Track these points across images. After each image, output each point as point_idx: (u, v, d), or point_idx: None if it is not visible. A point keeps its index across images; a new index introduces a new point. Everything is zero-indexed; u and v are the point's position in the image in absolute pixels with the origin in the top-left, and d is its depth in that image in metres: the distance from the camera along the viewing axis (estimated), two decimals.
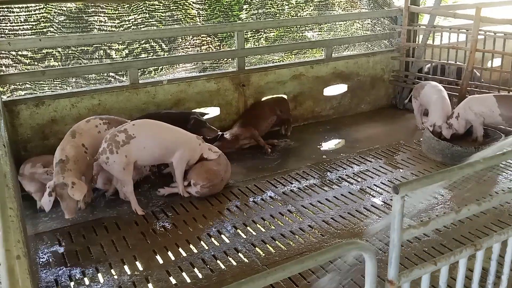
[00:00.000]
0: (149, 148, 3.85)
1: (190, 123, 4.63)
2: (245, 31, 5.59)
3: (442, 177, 1.63)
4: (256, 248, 3.39)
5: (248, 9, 5.94)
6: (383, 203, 3.98)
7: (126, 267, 3.21)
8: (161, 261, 3.27)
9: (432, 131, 4.99)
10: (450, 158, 4.65)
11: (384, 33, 6.59)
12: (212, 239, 3.52)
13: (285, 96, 5.74)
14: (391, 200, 3.94)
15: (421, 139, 5.25)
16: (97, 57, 5.07)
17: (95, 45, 5.00)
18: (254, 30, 5.90)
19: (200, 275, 3.11)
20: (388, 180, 4.39)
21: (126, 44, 5.21)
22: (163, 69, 5.53)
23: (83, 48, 4.93)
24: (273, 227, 3.66)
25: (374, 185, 4.31)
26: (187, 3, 5.51)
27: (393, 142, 5.32)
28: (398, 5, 6.50)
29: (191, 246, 3.44)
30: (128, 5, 5.11)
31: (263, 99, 5.63)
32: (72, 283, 3.08)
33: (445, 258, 1.70)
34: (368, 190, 4.21)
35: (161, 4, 5.32)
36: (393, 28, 6.53)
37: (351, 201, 4.02)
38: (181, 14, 5.47)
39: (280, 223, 3.73)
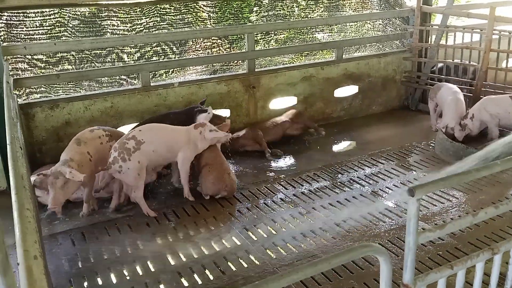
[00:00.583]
0: (157, 151, 3.92)
1: (196, 116, 4.66)
2: (255, 33, 5.60)
3: (459, 179, 1.60)
4: (267, 251, 3.37)
5: (258, 11, 5.94)
6: (395, 206, 3.93)
7: (138, 268, 3.22)
8: (172, 263, 3.28)
9: (444, 133, 4.93)
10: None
11: (395, 34, 6.54)
12: (223, 241, 3.51)
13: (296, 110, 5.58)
14: (405, 203, 3.91)
15: (433, 140, 5.18)
16: (109, 60, 5.12)
17: (108, 49, 5.05)
18: (264, 32, 5.90)
19: (211, 277, 3.11)
20: (400, 182, 4.34)
21: (138, 47, 5.25)
22: (174, 72, 5.55)
23: (96, 51, 4.98)
24: (284, 230, 3.64)
25: (386, 187, 4.26)
26: (197, 6, 5.53)
27: (406, 143, 5.26)
28: (410, 5, 6.44)
29: (202, 248, 3.43)
30: (140, 9, 5.15)
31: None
32: (86, 283, 3.09)
33: (462, 262, 1.66)
34: (380, 193, 4.17)
35: (172, 8, 5.35)
36: (405, 28, 6.47)
37: (363, 204, 3.98)
38: (191, 17, 5.49)
39: (291, 225, 3.70)
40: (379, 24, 6.59)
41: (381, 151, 5.08)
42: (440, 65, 6.28)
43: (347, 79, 6.15)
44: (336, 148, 5.33)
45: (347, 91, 6.29)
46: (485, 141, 4.91)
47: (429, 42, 6.31)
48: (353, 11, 6.41)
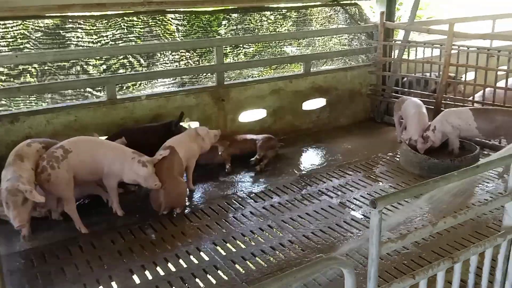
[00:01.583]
0: (84, 162, 3.83)
1: (174, 128, 4.65)
2: (224, 46, 5.62)
3: (418, 190, 1.64)
4: (236, 265, 3.34)
5: (227, 25, 5.98)
6: (363, 217, 3.99)
7: None
8: (138, 281, 3.19)
9: (408, 144, 5.07)
10: (427, 170, 4.71)
11: (361, 48, 6.72)
12: (191, 256, 3.45)
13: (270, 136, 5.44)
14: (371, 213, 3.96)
15: (398, 152, 5.32)
16: (74, 72, 5.00)
17: (72, 61, 4.94)
18: (233, 46, 5.93)
19: None
20: (367, 193, 4.41)
21: (104, 59, 5.16)
22: (142, 85, 5.49)
23: (59, 64, 4.86)
24: (253, 243, 3.62)
25: (354, 198, 4.33)
26: (166, 19, 5.51)
27: (372, 155, 5.38)
28: (374, 21, 6.64)
29: (169, 264, 3.36)
30: (106, 21, 5.08)
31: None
32: None
33: (424, 272, 1.70)
34: (348, 204, 4.22)
35: (140, 20, 5.30)
36: (369, 43, 6.67)
37: (331, 215, 4.02)
38: (159, 29, 5.46)
39: (260, 238, 3.69)
40: (345, 38, 6.76)
41: (349, 162, 5.17)
42: (409, 78, 6.48)
43: (315, 92, 6.25)
44: (305, 160, 5.37)
45: (315, 103, 6.39)
46: (446, 152, 5.09)
47: (393, 57, 6.52)
48: (320, 26, 6.55)
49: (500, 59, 5.50)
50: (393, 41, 6.54)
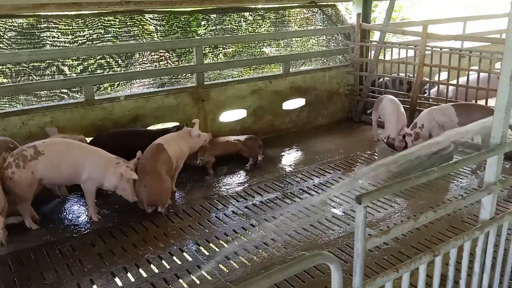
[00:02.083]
0: (58, 167, 3.74)
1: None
2: (203, 47, 5.61)
3: (401, 186, 1.69)
4: (220, 265, 3.34)
5: (206, 25, 5.97)
6: (343, 214, 4.05)
7: None
8: (120, 284, 3.15)
9: (386, 143, 5.17)
10: (405, 168, 4.81)
11: (338, 49, 6.82)
12: (174, 257, 3.44)
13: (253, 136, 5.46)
14: (351, 210, 4.04)
15: (377, 150, 5.43)
16: (49, 73, 4.89)
17: (47, 61, 4.83)
18: (212, 46, 5.93)
19: None
20: (347, 191, 4.48)
21: (80, 60, 5.07)
22: (120, 85, 5.42)
23: (34, 64, 4.75)
24: (236, 243, 3.63)
25: (334, 196, 4.39)
26: (144, 19, 5.46)
27: (351, 153, 5.47)
28: (351, 22, 6.76)
29: (152, 266, 3.34)
30: (82, 21, 4.99)
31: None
32: None
33: (406, 265, 1.75)
34: (328, 202, 4.28)
35: (117, 20, 5.23)
36: (346, 44, 6.77)
37: (312, 213, 4.07)
38: (138, 29, 5.40)
39: (243, 238, 3.70)
40: (323, 39, 6.85)
41: (329, 161, 5.24)
42: (386, 78, 6.60)
43: (294, 92, 6.31)
44: (285, 159, 5.42)
45: (294, 103, 6.45)
46: None
47: (369, 57, 6.65)
48: (298, 27, 6.62)
49: (471, 59, 5.68)
50: (370, 42, 6.66)
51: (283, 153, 5.58)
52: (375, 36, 7.43)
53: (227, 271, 3.27)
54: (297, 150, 5.70)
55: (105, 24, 5.18)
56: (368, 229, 3.64)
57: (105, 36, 5.17)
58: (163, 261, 3.38)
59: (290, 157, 5.49)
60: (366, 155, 5.44)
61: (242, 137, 5.28)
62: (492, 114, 5.15)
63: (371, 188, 3.89)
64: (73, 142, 3.99)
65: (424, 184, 4.45)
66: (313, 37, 6.75)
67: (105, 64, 5.24)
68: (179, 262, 3.37)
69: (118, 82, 5.33)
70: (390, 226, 3.80)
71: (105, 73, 5.16)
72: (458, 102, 5.34)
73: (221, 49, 6.11)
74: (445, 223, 3.79)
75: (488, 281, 2.17)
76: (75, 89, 5.02)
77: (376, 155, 5.38)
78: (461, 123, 4.93)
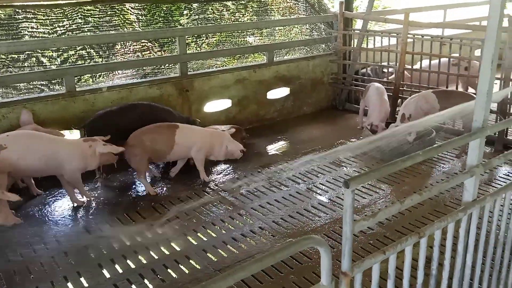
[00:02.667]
0: (24, 160, 3.67)
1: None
2: (186, 37, 5.55)
3: (388, 170, 1.71)
4: (208, 254, 3.35)
5: (188, 15, 5.90)
6: (329, 201, 4.10)
7: (69, 285, 3.04)
8: (108, 275, 3.14)
9: (370, 130, 5.23)
10: (389, 154, 4.87)
11: (321, 38, 6.83)
12: (162, 247, 3.43)
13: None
14: (337, 197, 4.08)
15: (361, 137, 5.48)
16: (29, 65, 4.79)
17: (26, 53, 4.72)
18: (195, 36, 5.87)
19: (151, 286, 3.02)
20: (333, 178, 4.53)
21: (61, 51, 4.97)
22: (102, 76, 5.33)
23: (13, 56, 4.63)
24: (224, 232, 3.65)
25: (320, 183, 4.43)
26: (125, 9, 5.36)
27: (336, 141, 5.52)
28: (334, 11, 6.77)
29: (139, 256, 3.33)
30: (61, 11, 4.88)
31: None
32: None
33: (393, 247, 1.78)
34: (314, 189, 4.32)
35: (97, 10, 5.13)
36: (329, 32, 6.79)
37: (299, 201, 4.10)
38: (119, 19, 5.31)
39: (230, 227, 3.72)
40: (306, 28, 6.85)
41: (314, 149, 5.28)
42: (370, 67, 6.64)
43: (278, 81, 6.31)
44: (271, 148, 5.44)
45: (279, 93, 6.46)
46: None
47: (352, 46, 6.68)
48: (281, 16, 6.60)
49: (452, 46, 5.76)
50: (352, 31, 6.69)
51: (268, 143, 5.60)
52: (358, 24, 7.46)
53: (215, 259, 3.28)
54: (282, 139, 5.72)
55: (85, 14, 5.08)
56: (354, 215, 3.69)
57: (85, 26, 5.07)
58: (151, 252, 3.38)
59: (275, 146, 5.51)
60: (350, 143, 5.49)
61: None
62: (468, 99, 5.29)
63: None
64: (40, 134, 3.90)
65: (407, 170, 4.53)
66: (296, 26, 6.75)
67: (86, 55, 5.15)
68: (167, 253, 3.37)
69: (99, 73, 5.25)
70: (375, 211, 3.86)
71: (86, 64, 5.07)
72: (438, 89, 5.41)
73: (204, 38, 6.06)
74: (428, 207, 3.88)
75: (471, 261, 2.22)
76: (55, 81, 4.93)
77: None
78: (441, 109, 5.01)
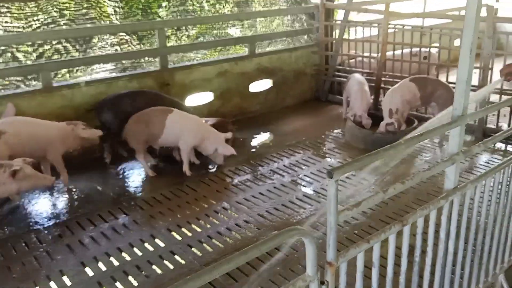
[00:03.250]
0: (21, 144, 3.85)
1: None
2: (166, 29, 5.46)
3: (371, 159, 1.71)
4: (193, 249, 3.32)
5: (167, 7, 5.81)
6: (314, 192, 4.11)
7: (52, 284, 2.98)
8: (91, 273, 3.08)
9: (353, 121, 5.25)
10: (372, 144, 4.92)
11: (303, 29, 6.81)
12: (146, 244, 3.39)
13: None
14: (322, 188, 4.09)
15: (344, 128, 5.50)
16: (3, 60, 4.65)
17: (1, 48, 4.59)
18: (175, 28, 5.78)
19: (135, 283, 2.98)
20: (317, 170, 4.54)
21: (36, 45, 4.83)
22: (79, 71, 5.22)
23: None
24: (208, 226, 3.62)
25: (305, 175, 4.44)
26: (101, 1, 5.25)
27: (319, 133, 5.53)
28: (315, 2, 6.75)
29: (123, 254, 3.28)
30: (35, 5, 4.74)
31: None
32: None
33: (377, 236, 1.78)
34: (299, 181, 4.33)
35: (73, 2, 5.01)
36: (311, 23, 6.77)
37: (284, 193, 4.10)
38: (95, 12, 5.20)
39: (215, 221, 3.69)
40: (287, 19, 6.82)
41: (298, 141, 5.28)
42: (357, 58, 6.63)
43: (261, 74, 6.28)
44: (255, 141, 5.42)
45: (262, 85, 6.42)
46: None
47: (334, 37, 6.68)
48: (262, 7, 6.55)
49: (432, 36, 5.81)
50: (334, 21, 6.69)
51: (252, 135, 5.57)
52: (339, 15, 7.46)
53: (200, 254, 3.26)
54: (266, 132, 5.70)
55: (60, 7, 4.96)
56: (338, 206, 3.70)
57: (60, 19, 4.94)
58: (135, 249, 3.33)
59: (259, 139, 5.49)
60: (334, 134, 5.51)
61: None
62: (441, 85, 5.34)
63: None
64: (29, 119, 4.09)
65: (390, 160, 4.55)
66: (277, 17, 6.71)
67: (62, 49, 5.03)
68: (151, 249, 3.33)
69: (77, 68, 5.13)
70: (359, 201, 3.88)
71: (62, 58, 4.94)
72: (415, 77, 5.41)
73: (184, 31, 5.98)
74: (410, 196, 3.92)
75: (453, 248, 2.25)
76: (31, 76, 4.80)
77: (343, 133, 5.45)
78: (421, 96, 5.07)
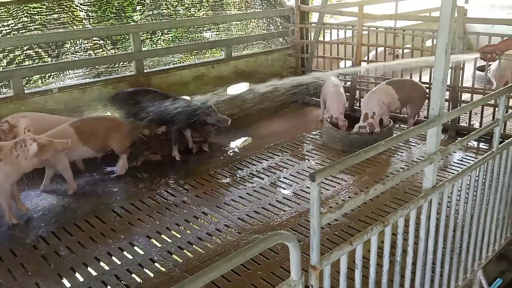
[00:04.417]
0: None
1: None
2: (141, 33, 5.38)
3: (352, 161, 1.71)
4: (173, 255, 3.27)
5: (142, 10, 5.73)
6: (294, 194, 4.11)
7: None
8: (68, 285, 2.99)
9: (330, 122, 5.30)
10: (349, 145, 4.98)
11: (279, 32, 6.83)
12: (125, 252, 3.31)
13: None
14: (301, 190, 4.10)
15: (321, 130, 5.54)
16: None
17: None
18: (150, 32, 5.71)
19: None
20: (296, 172, 4.55)
21: (6, 51, 4.68)
22: (52, 77, 5.08)
23: None
24: (189, 232, 3.57)
25: (284, 177, 4.44)
26: (73, 5, 5.13)
27: (297, 135, 5.55)
28: (290, 5, 6.78)
29: (101, 263, 3.20)
30: (5, 9, 4.60)
31: None
32: None
33: (359, 237, 1.79)
34: (278, 183, 4.32)
35: (44, 7, 4.88)
36: (286, 26, 6.80)
37: (264, 196, 4.09)
38: (67, 16, 5.07)
39: (195, 226, 3.65)
40: (263, 22, 6.83)
41: (276, 144, 5.28)
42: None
43: (238, 77, 6.26)
44: (234, 144, 5.39)
45: (239, 88, 6.40)
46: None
47: (309, 39, 6.73)
48: (238, 10, 6.54)
49: (405, 37, 5.92)
50: (309, 24, 6.74)
51: (231, 139, 5.54)
52: (314, 18, 7.53)
53: (181, 261, 3.21)
54: (244, 135, 5.68)
55: (31, 12, 4.82)
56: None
57: (31, 24, 4.81)
58: (113, 257, 3.25)
59: (238, 142, 5.47)
60: (312, 136, 5.54)
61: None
62: (417, 86, 5.48)
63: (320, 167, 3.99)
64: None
65: (367, 160, 4.61)
66: (253, 20, 6.71)
67: (34, 55, 4.89)
68: (130, 257, 3.26)
69: (49, 74, 5.00)
70: (339, 203, 3.91)
71: (34, 64, 4.81)
72: (390, 79, 5.52)
73: (159, 35, 5.91)
74: (389, 195, 3.97)
75: (433, 246, 2.29)
76: (1, 83, 4.64)
77: (321, 135, 5.48)
78: (400, 99, 5.16)
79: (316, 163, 4.79)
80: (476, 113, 5.62)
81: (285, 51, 6.78)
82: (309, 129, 5.75)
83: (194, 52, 6.19)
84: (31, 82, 4.94)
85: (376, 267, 1.96)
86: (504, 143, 2.68)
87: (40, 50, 4.92)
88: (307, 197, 4.00)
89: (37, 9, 4.85)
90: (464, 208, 2.48)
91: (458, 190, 2.40)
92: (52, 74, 5.01)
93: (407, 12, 8.30)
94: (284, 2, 6.91)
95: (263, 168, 4.65)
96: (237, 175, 4.51)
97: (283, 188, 4.23)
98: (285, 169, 4.62)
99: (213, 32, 6.36)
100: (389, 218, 1.94)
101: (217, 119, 4.94)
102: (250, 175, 4.50)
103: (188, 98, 5.08)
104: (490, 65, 6.08)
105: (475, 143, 5.09)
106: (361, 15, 5.89)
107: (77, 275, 3.08)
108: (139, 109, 4.72)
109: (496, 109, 4.20)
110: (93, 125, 4.27)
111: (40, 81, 5.07)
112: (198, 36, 6.18)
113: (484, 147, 4.95)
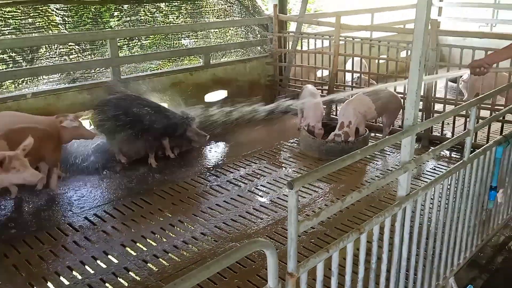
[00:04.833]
0: None
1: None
2: (118, 39, 5.33)
3: (329, 169, 1.74)
4: (148, 264, 3.22)
5: (119, 17, 5.67)
6: (270, 202, 4.12)
7: None
8: None
9: (307, 130, 5.36)
10: (325, 153, 5.04)
11: (257, 40, 6.89)
12: (98, 261, 3.25)
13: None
14: (278, 198, 4.11)
15: (298, 138, 5.59)
16: None
17: None
18: (127, 38, 5.65)
19: None
20: (273, 180, 4.57)
21: None
22: (25, 82, 4.95)
23: None
24: (164, 240, 3.53)
25: (261, 185, 4.45)
26: (49, 9, 5.04)
27: (274, 143, 5.58)
28: (268, 14, 6.85)
29: (74, 272, 3.12)
30: None
31: None
32: None
33: (336, 245, 1.81)
34: (256, 191, 4.33)
35: (19, 11, 4.77)
36: (264, 35, 6.86)
37: (241, 204, 4.08)
38: (42, 21, 4.97)
39: (171, 234, 3.61)
40: (241, 31, 6.87)
41: (253, 151, 5.29)
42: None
43: (216, 84, 6.26)
44: (211, 152, 5.37)
45: (217, 96, 6.41)
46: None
47: (287, 48, 6.81)
48: (216, 18, 6.56)
49: (380, 48, 6.07)
50: (287, 33, 6.82)
51: (207, 146, 5.52)
52: (292, 27, 7.62)
53: (156, 269, 3.17)
54: (221, 143, 5.68)
55: (5, 15, 4.71)
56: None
57: (5, 29, 4.69)
58: (86, 266, 3.18)
59: (215, 150, 5.46)
60: (289, 144, 5.58)
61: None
62: (392, 96, 5.61)
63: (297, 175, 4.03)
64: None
65: (343, 168, 4.66)
66: (231, 28, 6.74)
67: (8, 59, 4.77)
68: (104, 266, 3.19)
69: (23, 79, 4.88)
70: (315, 210, 3.95)
71: (8, 69, 4.69)
72: (368, 90, 5.63)
73: (136, 41, 5.86)
74: (364, 203, 4.02)
75: (407, 254, 2.34)
76: None
77: (298, 143, 5.53)
78: (377, 109, 5.26)
79: (293, 171, 4.82)
80: (448, 123, 5.79)
81: (263, 60, 6.83)
82: (287, 137, 5.80)
83: (172, 59, 6.16)
84: (3, 87, 4.80)
85: (352, 274, 1.98)
86: (474, 152, 2.77)
87: (14, 54, 4.81)
88: (284, 205, 4.01)
89: (11, 13, 4.74)
90: (437, 216, 2.54)
91: (431, 198, 2.46)
92: (26, 79, 4.89)
93: (382, 24, 8.51)
94: (263, 11, 6.97)
95: (240, 176, 4.65)
96: (214, 183, 4.49)
97: (260, 196, 4.24)
98: (262, 177, 4.63)
99: (191, 39, 6.36)
100: (364, 226, 1.97)
101: (196, 133, 4.92)
102: (227, 183, 4.49)
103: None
104: (461, 76, 6.29)
105: (448, 152, 5.24)
106: (338, 25, 6.01)
107: (49, 284, 3.00)
108: (128, 117, 4.66)
109: (468, 119, 4.34)
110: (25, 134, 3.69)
111: (12, 86, 4.94)
112: (176, 43, 6.16)
113: (456, 156, 5.10)
